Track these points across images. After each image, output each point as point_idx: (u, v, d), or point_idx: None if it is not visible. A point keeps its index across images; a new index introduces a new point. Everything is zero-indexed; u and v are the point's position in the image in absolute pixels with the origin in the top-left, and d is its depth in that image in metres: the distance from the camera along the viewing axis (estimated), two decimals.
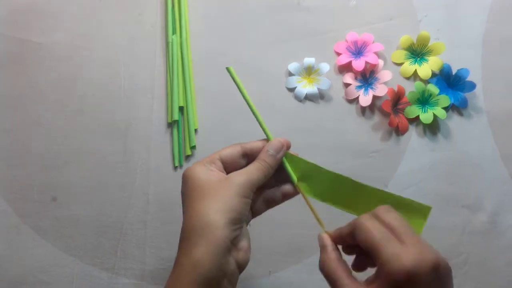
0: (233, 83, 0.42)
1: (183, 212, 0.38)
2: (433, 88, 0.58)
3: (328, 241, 0.38)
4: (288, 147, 0.42)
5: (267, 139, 0.42)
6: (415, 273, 0.29)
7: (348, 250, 0.39)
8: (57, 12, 0.62)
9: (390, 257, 0.31)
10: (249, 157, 0.41)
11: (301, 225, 0.55)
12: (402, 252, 0.30)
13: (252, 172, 0.39)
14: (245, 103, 0.43)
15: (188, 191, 0.38)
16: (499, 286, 0.56)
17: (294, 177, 0.42)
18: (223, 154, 0.40)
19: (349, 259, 0.39)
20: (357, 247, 0.36)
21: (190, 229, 0.36)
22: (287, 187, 0.42)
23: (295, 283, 0.55)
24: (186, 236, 0.36)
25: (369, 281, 0.33)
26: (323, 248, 0.38)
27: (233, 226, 0.36)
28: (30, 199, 0.57)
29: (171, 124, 0.59)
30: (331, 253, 0.37)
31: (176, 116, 0.58)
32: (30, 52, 0.61)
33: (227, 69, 0.42)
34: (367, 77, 0.60)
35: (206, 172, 0.38)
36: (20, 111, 0.59)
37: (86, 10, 0.62)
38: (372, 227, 0.33)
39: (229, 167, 0.40)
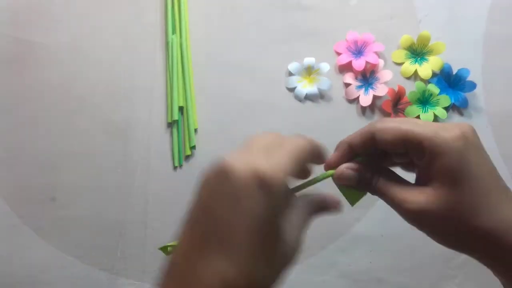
0: None
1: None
2: (433, 88, 0.58)
3: (350, 167, 0.32)
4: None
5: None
6: (465, 134, 0.27)
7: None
8: (57, 12, 0.62)
9: (435, 132, 0.27)
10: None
11: None
12: (441, 127, 0.28)
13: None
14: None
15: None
16: (499, 285, 0.55)
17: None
18: (300, 164, 0.28)
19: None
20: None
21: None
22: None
23: (295, 283, 0.55)
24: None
25: (422, 176, 0.29)
26: (350, 178, 0.31)
27: None
28: (29, 200, 0.57)
29: (171, 124, 0.59)
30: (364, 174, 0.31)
31: (176, 116, 0.58)
32: (30, 52, 0.61)
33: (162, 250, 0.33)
34: (367, 77, 0.60)
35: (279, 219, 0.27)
36: (19, 111, 0.59)
37: (86, 10, 0.62)
38: (397, 122, 0.29)
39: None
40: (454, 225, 0.28)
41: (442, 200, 0.27)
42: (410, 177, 0.31)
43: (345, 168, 0.32)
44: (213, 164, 0.27)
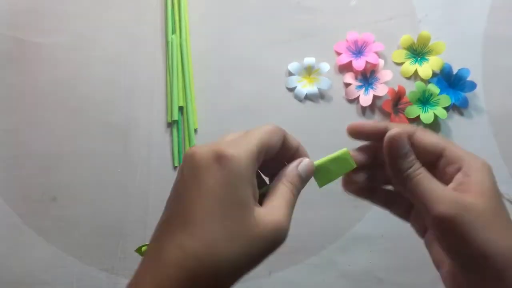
0: None
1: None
2: (433, 88, 0.58)
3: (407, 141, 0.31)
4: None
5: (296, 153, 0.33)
6: (487, 163, 0.30)
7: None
8: (57, 12, 0.62)
9: (467, 152, 0.30)
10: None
11: (301, 225, 0.55)
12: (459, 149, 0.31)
13: (290, 215, 0.29)
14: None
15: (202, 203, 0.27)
16: None
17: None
18: (269, 146, 0.29)
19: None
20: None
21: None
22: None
23: (295, 283, 0.55)
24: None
25: (457, 185, 0.29)
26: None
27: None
28: (30, 199, 0.57)
29: (171, 124, 0.59)
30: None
31: (176, 116, 0.58)
32: (31, 52, 0.61)
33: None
34: (367, 76, 0.60)
35: (246, 202, 0.27)
36: (20, 111, 0.59)
37: (86, 10, 0.62)
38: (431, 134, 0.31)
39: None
40: (473, 237, 0.28)
41: (484, 207, 0.28)
42: None
43: (405, 135, 0.30)
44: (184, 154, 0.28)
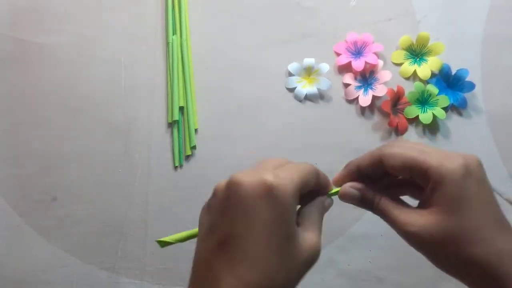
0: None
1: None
2: (432, 88, 0.58)
3: (354, 187, 0.33)
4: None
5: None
6: (468, 165, 0.29)
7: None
8: (58, 13, 0.62)
9: (440, 162, 0.29)
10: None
11: None
12: (446, 156, 0.29)
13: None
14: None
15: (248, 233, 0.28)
16: None
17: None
18: (305, 182, 0.30)
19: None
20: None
21: None
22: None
23: None
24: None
25: (424, 201, 0.30)
26: (351, 196, 0.33)
27: None
28: (30, 199, 0.57)
29: (171, 124, 0.59)
30: (366, 192, 0.33)
31: (176, 116, 0.58)
32: (31, 52, 0.61)
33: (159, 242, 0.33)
34: (366, 77, 0.60)
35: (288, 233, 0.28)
36: (20, 111, 0.59)
37: (86, 11, 0.62)
38: (405, 149, 0.31)
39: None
40: (449, 251, 0.29)
41: (440, 225, 0.29)
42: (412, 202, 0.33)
43: (349, 187, 0.33)
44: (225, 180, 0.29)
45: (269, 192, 0.27)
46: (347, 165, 0.34)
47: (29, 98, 0.60)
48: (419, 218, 0.30)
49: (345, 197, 0.34)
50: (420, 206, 0.31)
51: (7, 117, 0.59)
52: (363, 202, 0.33)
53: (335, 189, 0.34)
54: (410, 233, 0.30)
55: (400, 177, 0.34)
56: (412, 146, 0.31)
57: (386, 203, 0.32)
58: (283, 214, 0.27)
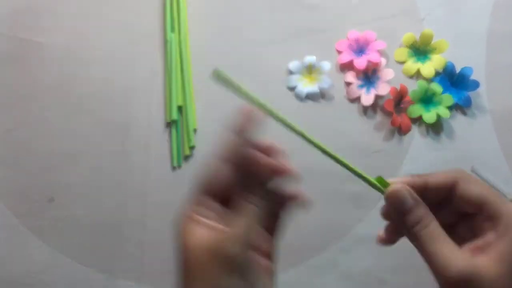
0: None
1: None
2: (436, 87, 0.58)
3: (410, 195, 0.29)
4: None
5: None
6: None
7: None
8: (57, 12, 0.62)
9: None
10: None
11: (301, 226, 0.55)
12: None
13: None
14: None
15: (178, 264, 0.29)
16: None
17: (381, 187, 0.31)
18: (208, 186, 0.30)
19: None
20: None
21: None
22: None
23: (295, 285, 0.55)
24: None
25: (483, 244, 0.28)
26: (404, 204, 0.29)
27: None
28: (27, 200, 0.57)
29: (169, 124, 0.58)
30: (425, 214, 0.28)
31: (174, 116, 0.58)
32: (30, 52, 0.61)
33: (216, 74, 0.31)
34: (369, 75, 0.59)
35: (191, 231, 0.29)
36: (18, 111, 0.59)
37: (85, 10, 0.62)
38: (482, 183, 0.29)
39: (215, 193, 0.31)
40: None
41: (505, 278, 0.26)
42: None
43: (406, 189, 0.29)
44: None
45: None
46: (413, 175, 0.30)
47: (27, 97, 0.59)
48: (473, 262, 0.26)
49: (394, 199, 0.29)
50: (470, 248, 0.28)
51: (5, 117, 0.59)
52: (407, 216, 0.29)
53: (382, 181, 0.30)
54: (453, 276, 0.26)
55: (459, 209, 0.30)
56: (488, 187, 0.29)
57: (431, 230, 0.28)
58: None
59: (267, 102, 0.64)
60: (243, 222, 0.29)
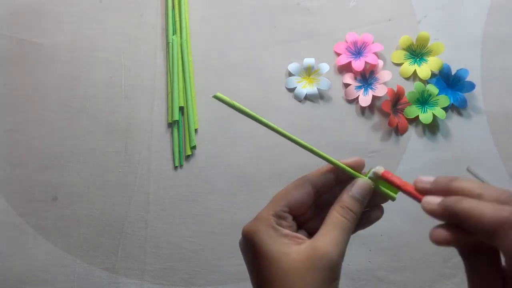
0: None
1: None
2: (432, 88, 0.58)
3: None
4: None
5: (332, 163, 0.33)
6: None
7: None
8: (59, 13, 0.62)
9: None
10: (319, 193, 0.33)
11: None
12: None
13: (342, 239, 0.29)
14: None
15: (260, 272, 0.30)
16: None
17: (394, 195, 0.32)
18: (292, 201, 0.31)
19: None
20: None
21: None
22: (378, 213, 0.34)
23: None
24: None
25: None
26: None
27: None
28: (31, 199, 0.57)
29: (171, 124, 0.59)
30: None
31: (176, 116, 0.58)
32: (32, 53, 0.61)
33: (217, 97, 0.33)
34: (366, 77, 0.60)
35: (278, 241, 0.29)
36: (21, 111, 0.59)
37: (87, 11, 0.62)
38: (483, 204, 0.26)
39: (296, 210, 0.32)
40: None
41: None
42: None
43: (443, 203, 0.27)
44: None
45: (243, 239, 0.31)
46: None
47: (29, 98, 0.60)
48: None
49: (428, 210, 0.28)
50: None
51: (7, 117, 0.59)
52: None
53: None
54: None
55: None
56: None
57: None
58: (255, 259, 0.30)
59: (267, 102, 0.64)
60: (338, 233, 0.30)
